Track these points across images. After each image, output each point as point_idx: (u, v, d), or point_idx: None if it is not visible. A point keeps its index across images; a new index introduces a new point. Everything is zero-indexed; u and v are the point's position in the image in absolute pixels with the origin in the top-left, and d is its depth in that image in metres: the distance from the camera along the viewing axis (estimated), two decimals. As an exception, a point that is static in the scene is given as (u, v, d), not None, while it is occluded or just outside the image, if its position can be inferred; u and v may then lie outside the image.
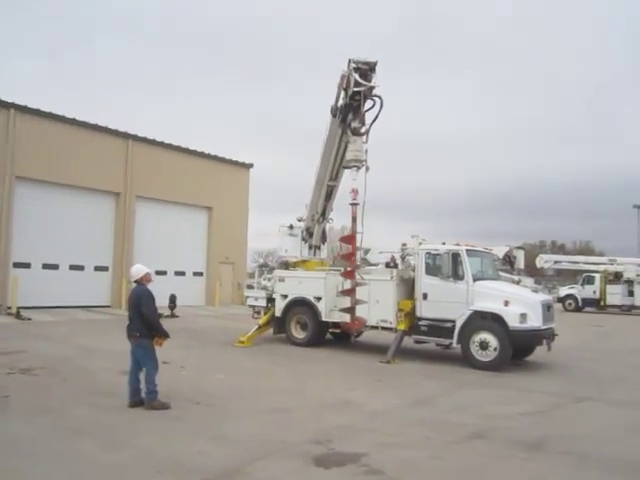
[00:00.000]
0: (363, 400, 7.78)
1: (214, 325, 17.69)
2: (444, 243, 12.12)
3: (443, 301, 11.26)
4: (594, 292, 31.27)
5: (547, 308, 11.16)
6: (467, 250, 11.46)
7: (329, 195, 12.99)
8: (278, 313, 13.58)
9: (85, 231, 20.91)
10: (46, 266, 19.92)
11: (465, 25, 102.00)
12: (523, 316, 10.49)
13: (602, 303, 30.84)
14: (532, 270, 33.56)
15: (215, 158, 26.34)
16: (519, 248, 22.33)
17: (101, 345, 12.40)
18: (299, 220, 14.17)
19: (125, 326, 7.16)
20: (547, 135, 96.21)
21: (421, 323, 11.56)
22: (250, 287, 14.97)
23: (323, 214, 13.46)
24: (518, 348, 10.91)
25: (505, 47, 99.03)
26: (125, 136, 21.98)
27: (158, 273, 22.60)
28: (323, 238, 14.38)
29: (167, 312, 18.74)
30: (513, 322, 10.43)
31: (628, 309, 30.14)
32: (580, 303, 31.50)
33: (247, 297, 14.79)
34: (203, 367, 10.13)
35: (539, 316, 10.70)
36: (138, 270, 7.25)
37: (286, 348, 12.92)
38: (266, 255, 72.51)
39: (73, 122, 20.35)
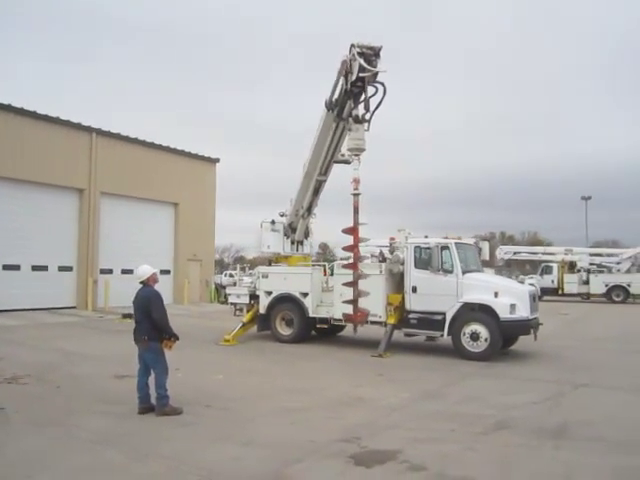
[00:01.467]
0: (373, 395, 7.76)
1: (191, 324, 17.21)
2: (427, 236, 12.28)
3: (433, 294, 11.38)
4: (552, 281, 32.59)
5: (533, 298, 11.47)
6: (455, 243, 11.63)
7: (317, 190, 12.86)
8: (262, 310, 13.37)
9: (48, 230, 19.91)
10: (7, 267, 18.86)
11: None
12: (513, 307, 10.74)
13: (560, 292, 32.15)
14: (487, 261, 34.50)
15: (181, 153, 25.62)
16: (484, 240, 23.00)
17: (79, 348, 11.94)
18: (281, 215, 13.97)
19: (129, 330, 6.89)
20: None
21: (411, 316, 11.65)
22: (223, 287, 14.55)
23: (309, 209, 13.32)
24: (507, 338, 11.19)
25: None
26: (89, 130, 21.01)
27: (124, 272, 21.95)
28: (306, 233, 14.25)
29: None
30: (503, 313, 10.67)
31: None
32: (539, 292, 32.65)
33: (229, 294, 14.49)
34: (197, 368, 9.84)
35: (527, 306, 11.00)
36: (144, 271, 6.94)
37: (273, 345, 12.75)
38: (222, 251, 71.60)
39: (33, 115, 19.27)
